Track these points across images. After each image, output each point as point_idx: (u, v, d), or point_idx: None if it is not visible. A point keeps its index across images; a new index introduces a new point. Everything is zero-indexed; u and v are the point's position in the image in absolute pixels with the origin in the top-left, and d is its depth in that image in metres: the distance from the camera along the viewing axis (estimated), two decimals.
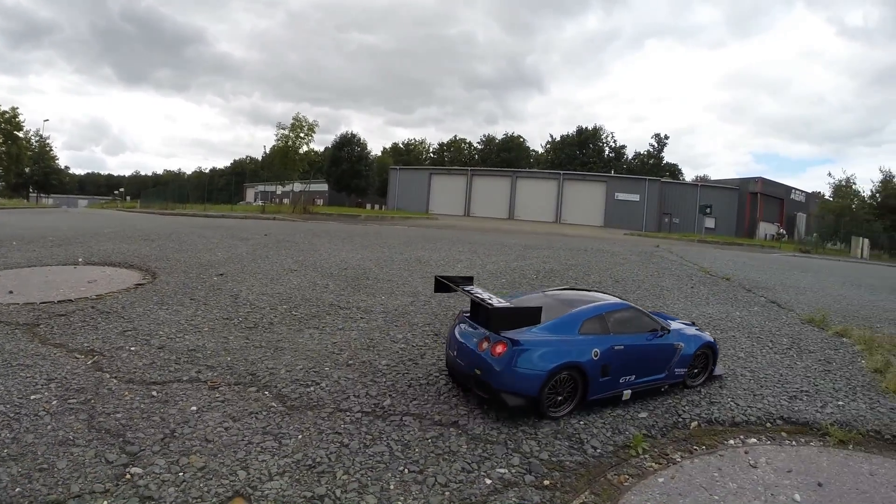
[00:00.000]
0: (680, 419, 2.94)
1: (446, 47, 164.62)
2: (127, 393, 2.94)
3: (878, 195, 46.50)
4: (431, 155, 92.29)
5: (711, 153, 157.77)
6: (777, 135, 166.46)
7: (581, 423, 2.79)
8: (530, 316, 2.50)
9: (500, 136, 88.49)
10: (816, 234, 44.24)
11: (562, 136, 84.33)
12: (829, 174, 62.53)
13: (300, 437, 2.51)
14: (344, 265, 7.36)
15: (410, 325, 4.58)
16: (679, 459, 2.62)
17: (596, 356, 2.61)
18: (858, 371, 4.03)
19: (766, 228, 49.66)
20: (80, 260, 6.99)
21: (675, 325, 2.96)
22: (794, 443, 2.85)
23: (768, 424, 3.01)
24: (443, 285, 3.08)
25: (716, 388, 3.34)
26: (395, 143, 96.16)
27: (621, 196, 54.93)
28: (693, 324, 3.32)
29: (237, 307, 4.90)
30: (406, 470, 2.30)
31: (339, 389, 3.10)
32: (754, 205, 51.85)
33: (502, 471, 2.34)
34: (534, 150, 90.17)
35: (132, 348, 3.70)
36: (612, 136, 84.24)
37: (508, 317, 2.51)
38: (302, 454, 2.35)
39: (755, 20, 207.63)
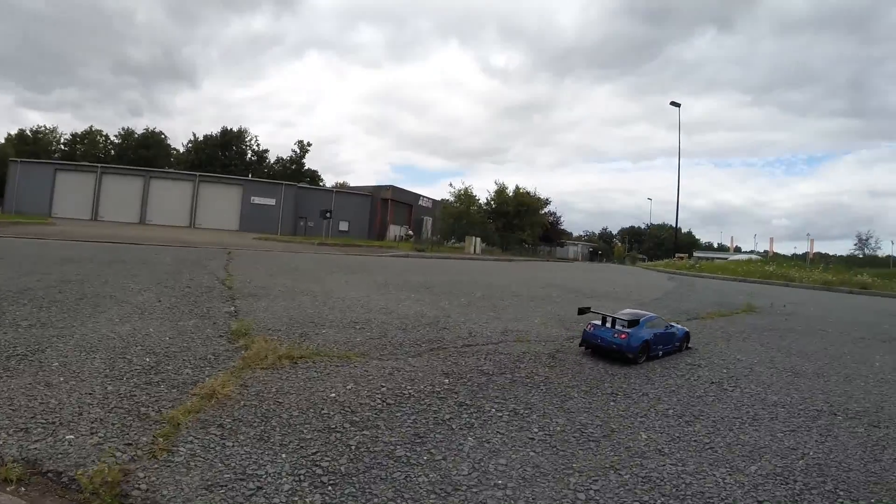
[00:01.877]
0: None
1: (102, 21, 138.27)
2: None
3: (492, 202, 53.32)
4: (63, 147, 77.43)
5: (354, 161, 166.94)
6: (416, 149, 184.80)
7: None
8: (634, 322, 4.61)
9: (140, 131, 79.90)
10: (439, 234, 48.52)
11: (205, 136, 79.49)
12: (451, 184, 69.43)
13: None
14: None
15: None
16: None
17: (651, 337, 4.60)
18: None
19: (396, 231, 53.05)
20: None
21: (675, 325, 5.19)
22: None
23: None
24: (583, 311, 4.87)
25: None
26: (21, 130, 77.56)
27: (258, 200, 53.77)
28: (681, 325, 5.45)
29: None
30: None
31: None
32: (385, 209, 55.54)
33: None
34: (175, 149, 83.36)
35: None
36: (257, 140, 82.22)
37: (628, 322, 4.61)
38: None
39: (412, 48, 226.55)
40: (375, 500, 1.99)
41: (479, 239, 42.88)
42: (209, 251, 14.32)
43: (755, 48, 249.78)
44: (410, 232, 52.47)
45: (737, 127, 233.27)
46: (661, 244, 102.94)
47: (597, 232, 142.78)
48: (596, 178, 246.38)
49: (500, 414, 2.91)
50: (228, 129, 79.29)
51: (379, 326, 4.92)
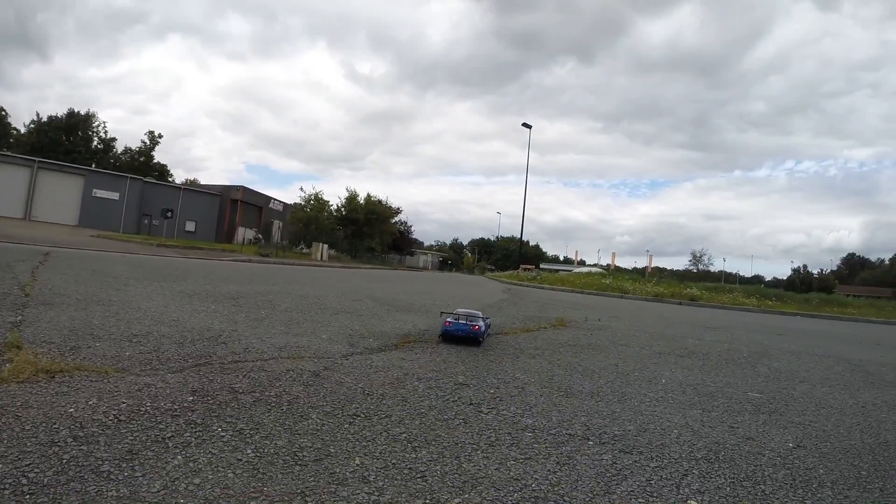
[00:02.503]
0: None
1: None
2: None
3: (343, 209, 53.26)
4: None
5: (207, 158, 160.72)
6: (271, 149, 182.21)
7: None
8: (480, 318, 6.45)
9: None
10: (288, 239, 47.75)
11: (50, 117, 72.89)
12: (301, 189, 68.56)
13: None
14: None
15: None
16: None
17: (486, 327, 6.58)
18: None
19: (245, 233, 51.59)
20: None
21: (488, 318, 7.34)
22: None
23: None
24: (443, 313, 6.74)
25: None
26: None
27: (100, 193, 50.01)
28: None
29: None
30: None
31: None
32: (234, 211, 53.91)
33: None
34: (16, 129, 75.62)
35: None
36: (105, 126, 76.57)
37: (479, 318, 6.43)
38: None
39: (279, 45, 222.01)
40: None
41: (326, 246, 42.65)
42: (29, 250, 13.42)
43: (611, 81, 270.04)
44: (259, 235, 51.24)
45: (587, 150, 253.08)
46: (509, 256, 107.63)
47: (448, 242, 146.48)
48: (450, 190, 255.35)
49: (224, 434, 2.93)
50: (76, 111, 73.37)
51: (156, 340, 4.91)
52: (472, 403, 3.82)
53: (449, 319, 6.46)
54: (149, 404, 3.26)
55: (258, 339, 5.48)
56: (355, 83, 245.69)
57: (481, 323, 6.42)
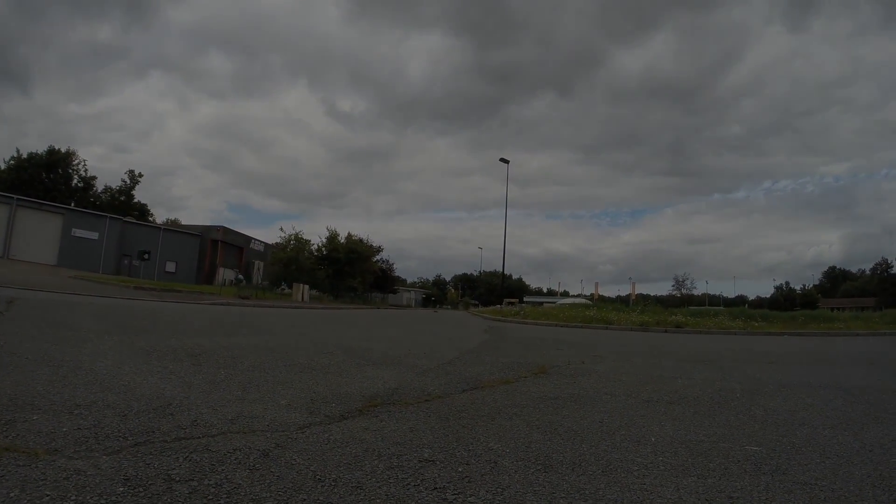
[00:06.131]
0: None
1: None
2: None
3: (324, 248, 53.29)
4: None
5: (188, 197, 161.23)
6: (253, 188, 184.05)
7: None
8: None
9: None
10: (268, 280, 47.47)
11: (30, 154, 72.80)
12: (282, 229, 68.07)
13: None
14: None
15: None
16: None
17: None
18: None
19: (226, 274, 51.18)
20: None
21: None
22: None
23: None
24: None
25: None
26: None
27: (79, 233, 49.41)
28: None
29: None
30: None
31: None
32: (215, 251, 53.61)
33: None
34: None
35: None
36: (85, 165, 76.45)
37: None
38: None
39: (259, 83, 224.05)
40: None
41: (307, 286, 42.36)
42: None
43: (589, 112, 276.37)
44: (240, 276, 50.88)
45: (567, 182, 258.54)
46: (493, 290, 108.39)
47: (431, 279, 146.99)
48: (432, 227, 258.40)
49: None
50: (56, 148, 73.33)
51: (99, 412, 4.63)
52: (436, 488, 3.30)
53: None
54: (73, 498, 3.00)
55: (209, 409, 5.09)
56: (336, 120, 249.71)
57: None
